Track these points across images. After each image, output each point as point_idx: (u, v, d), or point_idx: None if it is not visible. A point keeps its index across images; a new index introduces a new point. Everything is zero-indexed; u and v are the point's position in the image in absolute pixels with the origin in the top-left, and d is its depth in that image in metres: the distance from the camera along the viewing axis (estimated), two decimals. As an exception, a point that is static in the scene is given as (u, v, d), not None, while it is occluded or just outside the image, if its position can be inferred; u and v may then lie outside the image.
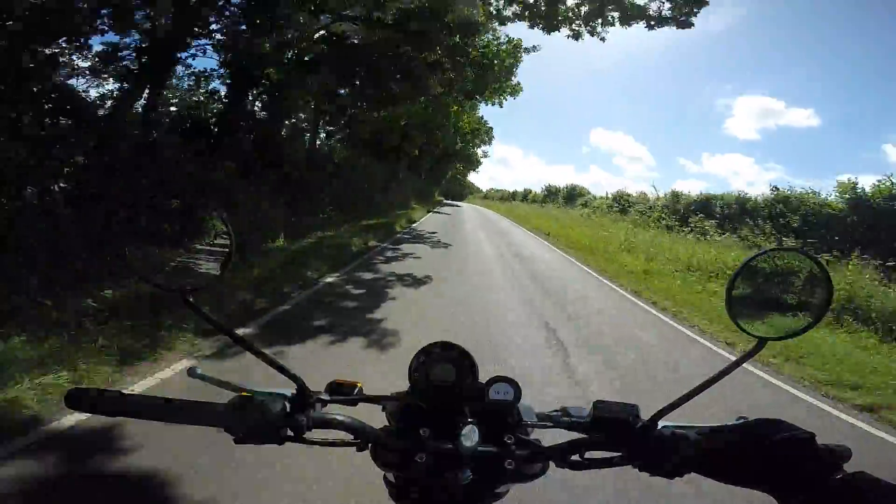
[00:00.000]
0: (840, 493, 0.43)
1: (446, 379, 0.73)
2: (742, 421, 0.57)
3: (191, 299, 0.54)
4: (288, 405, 0.59)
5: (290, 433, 0.58)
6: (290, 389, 0.60)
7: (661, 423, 0.59)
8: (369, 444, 0.62)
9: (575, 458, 0.62)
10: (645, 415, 0.59)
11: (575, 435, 0.63)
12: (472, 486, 0.61)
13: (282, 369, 0.56)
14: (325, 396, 0.63)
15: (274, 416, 0.56)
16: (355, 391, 0.70)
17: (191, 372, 0.63)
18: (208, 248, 0.58)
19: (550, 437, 0.65)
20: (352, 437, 0.62)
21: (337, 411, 0.61)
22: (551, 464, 0.65)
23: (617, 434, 0.60)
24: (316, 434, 0.62)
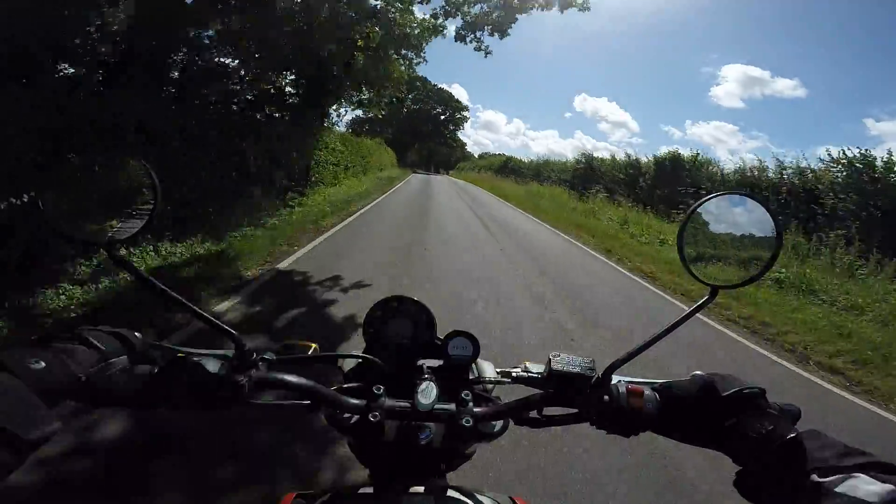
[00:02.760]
0: (792, 452, 0.45)
1: (403, 335, 0.72)
2: (694, 376, 0.57)
3: (116, 252, 0.50)
4: (227, 366, 0.55)
5: (231, 396, 0.54)
6: (232, 351, 0.57)
7: (616, 378, 0.58)
8: (321, 406, 0.60)
9: (533, 414, 0.61)
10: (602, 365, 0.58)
11: (533, 391, 0.62)
12: (435, 447, 0.60)
13: (217, 327, 0.52)
14: (270, 357, 0.59)
15: (210, 377, 0.52)
16: (310, 352, 0.68)
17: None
18: (131, 197, 0.52)
19: (513, 395, 0.66)
20: (302, 398, 0.60)
21: (285, 372, 0.57)
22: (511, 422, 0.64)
23: (573, 389, 0.59)
24: (263, 396, 0.59)
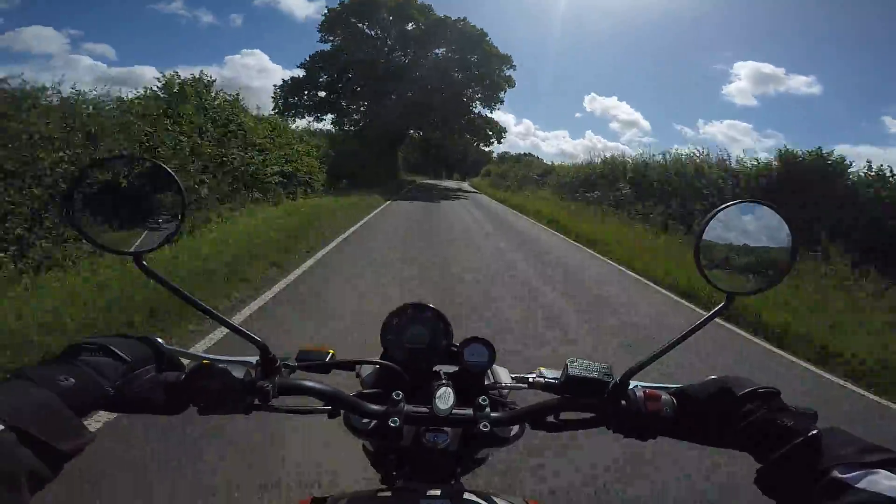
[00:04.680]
0: (813, 448, 0.48)
1: (420, 341, 0.73)
2: (709, 379, 0.62)
3: (144, 262, 0.52)
4: (252, 372, 0.62)
5: (255, 401, 0.61)
6: (255, 357, 0.65)
7: (633, 383, 0.64)
8: (341, 411, 0.68)
9: (550, 419, 0.67)
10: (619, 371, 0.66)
11: (550, 396, 0.69)
12: (451, 451, 0.65)
13: (243, 334, 0.59)
14: (292, 363, 0.62)
15: (236, 382, 0.58)
16: (327, 358, 0.74)
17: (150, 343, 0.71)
18: (158, 205, 0.55)
19: (527, 400, 0.72)
20: (322, 403, 0.66)
21: (307, 378, 0.59)
22: (527, 427, 0.70)
23: (590, 394, 0.65)
24: (285, 401, 0.65)
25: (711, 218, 0.61)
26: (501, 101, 34.35)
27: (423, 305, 0.80)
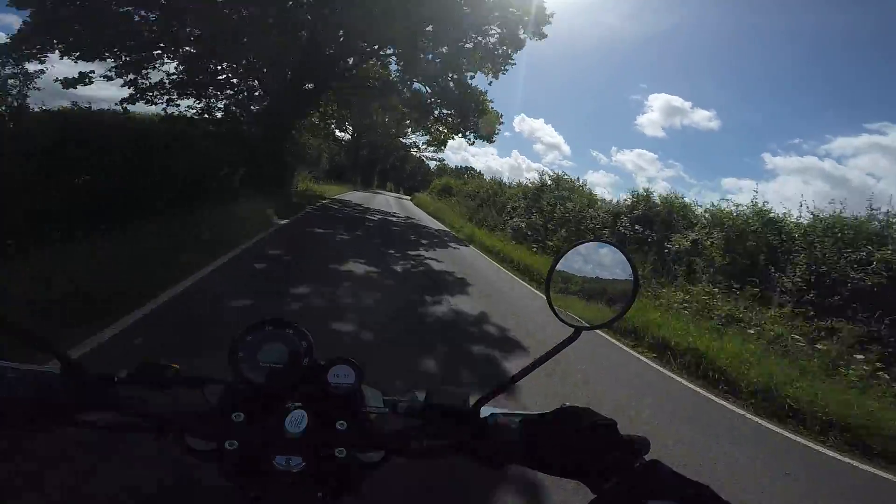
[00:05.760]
0: (639, 479, 0.52)
1: (276, 360, 0.66)
2: (560, 408, 0.64)
3: None
4: (49, 384, 0.56)
5: (54, 415, 0.55)
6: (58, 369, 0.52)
7: (487, 411, 0.67)
8: (168, 431, 0.54)
9: (413, 445, 0.67)
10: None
11: (414, 422, 0.70)
12: (309, 476, 0.61)
13: (35, 341, 0.47)
14: (107, 377, 0.54)
15: (24, 394, 0.53)
16: (169, 374, 0.68)
17: None
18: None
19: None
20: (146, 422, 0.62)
21: (134, 394, 0.52)
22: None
23: (446, 422, 0.67)
24: (101, 417, 0.58)
25: (562, 256, 0.65)
26: (511, 64, 18.38)
27: (282, 321, 0.77)
